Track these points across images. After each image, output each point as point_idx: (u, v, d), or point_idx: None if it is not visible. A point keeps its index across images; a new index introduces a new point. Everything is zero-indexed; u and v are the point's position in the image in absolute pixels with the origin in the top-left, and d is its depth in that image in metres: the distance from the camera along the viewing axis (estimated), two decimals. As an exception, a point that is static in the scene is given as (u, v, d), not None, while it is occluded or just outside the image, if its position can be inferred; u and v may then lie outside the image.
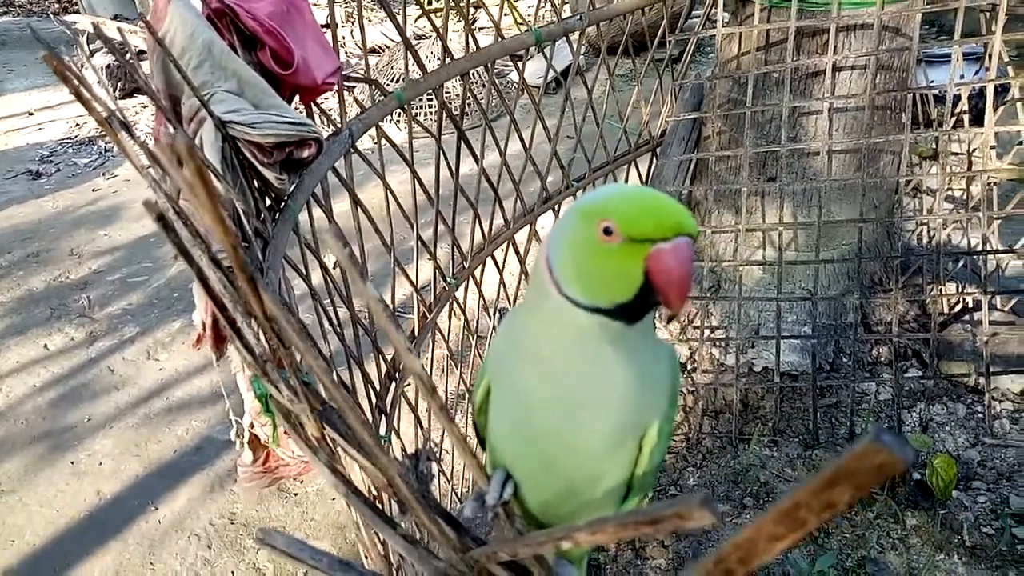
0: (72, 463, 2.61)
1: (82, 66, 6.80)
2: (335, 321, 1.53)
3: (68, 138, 5.98)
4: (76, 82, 0.55)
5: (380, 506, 0.61)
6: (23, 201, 4.85)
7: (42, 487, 2.51)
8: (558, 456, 0.65)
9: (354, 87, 4.78)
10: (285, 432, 1.08)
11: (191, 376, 3.06)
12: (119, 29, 1.39)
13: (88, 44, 7.00)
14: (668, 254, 0.57)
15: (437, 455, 1.87)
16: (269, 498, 2.41)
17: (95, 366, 3.16)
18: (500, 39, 1.94)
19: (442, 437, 2.18)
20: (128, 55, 1.12)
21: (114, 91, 6.62)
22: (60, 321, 3.49)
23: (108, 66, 6.33)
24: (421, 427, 1.87)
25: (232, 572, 2.15)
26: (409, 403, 1.87)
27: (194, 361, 3.13)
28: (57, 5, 10.94)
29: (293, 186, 1.19)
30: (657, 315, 2.59)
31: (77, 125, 6.23)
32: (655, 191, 0.61)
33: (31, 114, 6.58)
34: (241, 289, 0.72)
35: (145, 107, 6.43)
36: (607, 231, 0.58)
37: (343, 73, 1.50)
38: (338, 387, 0.45)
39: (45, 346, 3.31)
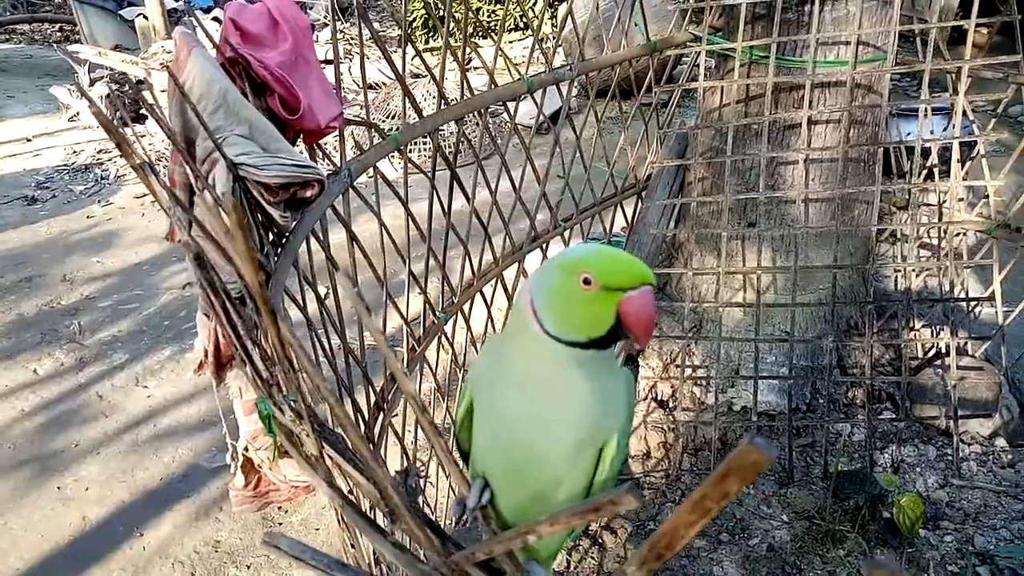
0: (58, 488, 2.62)
1: (81, 95, 6.91)
2: (328, 350, 1.59)
3: (65, 165, 6.05)
4: (127, 145, 0.63)
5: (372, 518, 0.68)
6: (17, 226, 4.90)
7: (27, 511, 2.52)
8: (528, 464, 0.76)
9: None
10: (284, 453, 1.14)
11: (179, 404, 3.09)
12: (129, 60, 1.47)
13: (89, 73, 7.12)
14: (637, 300, 0.71)
15: (423, 475, 1.92)
16: (254, 527, 2.43)
17: (84, 392, 3.18)
18: (494, 86, 2.05)
19: (427, 467, 2.22)
20: (154, 107, 1.20)
21: (113, 119, 6.70)
22: (50, 346, 3.52)
23: (108, 94, 6.43)
24: (407, 456, 1.92)
25: (215, 599, 2.17)
26: (396, 433, 1.92)
27: (182, 389, 3.17)
28: (59, 34, 11.12)
29: (295, 223, 1.27)
30: (641, 354, 2.64)
31: (74, 152, 6.31)
32: (621, 250, 0.76)
33: (29, 140, 6.65)
34: (250, 319, 0.79)
35: (142, 136, 6.52)
36: (586, 281, 0.71)
37: (346, 118, 1.59)
38: (341, 406, 0.52)
39: (35, 371, 3.33)
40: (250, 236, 1.12)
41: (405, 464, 1.75)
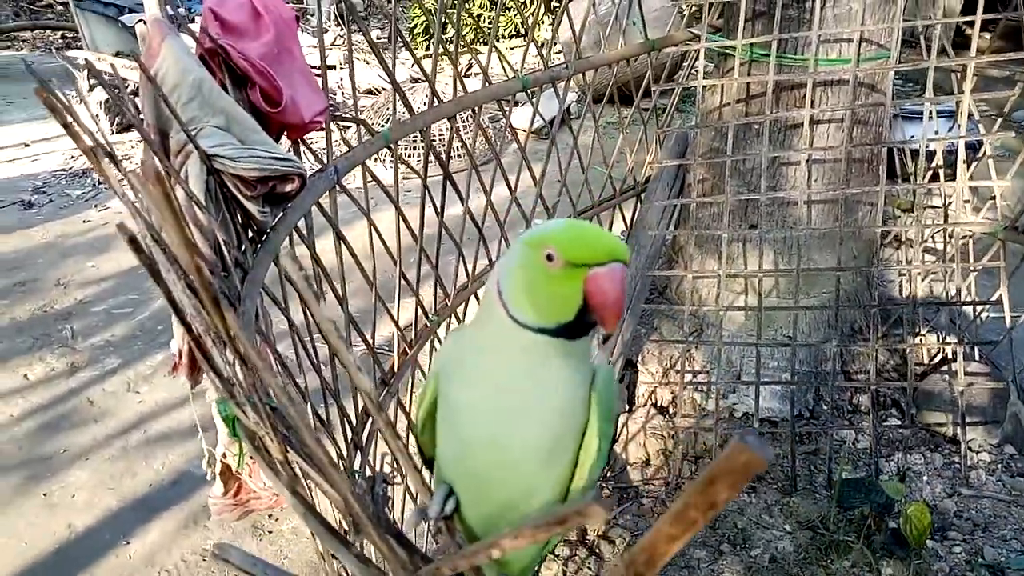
0: (45, 495, 2.57)
1: (80, 100, 6.89)
2: (314, 355, 1.54)
3: (62, 170, 6.02)
4: (65, 113, 0.58)
5: (340, 529, 0.62)
6: (12, 231, 4.86)
7: (12, 519, 2.46)
8: (496, 468, 0.68)
9: (346, 128, 4.86)
10: (251, 458, 1.09)
11: (171, 410, 3.03)
12: (112, 64, 1.43)
13: (88, 79, 7.11)
14: (603, 277, 0.64)
15: (393, 482, 1.86)
16: (243, 535, 2.37)
17: (75, 397, 3.13)
18: (488, 84, 2.00)
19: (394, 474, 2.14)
20: (119, 90, 1.16)
21: (111, 125, 6.70)
22: (42, 351, 3.47)
23: (106, 100, 6.41)
24: (396, 462, 1.86)
25: (201, 610, 2.11)
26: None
27: (174, 395, 3.11)
28: (61, 41, 11.12)
29: (276, 219, 1.22)
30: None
31: (72, 157, 6.28)
32: (591, 224, 0.68)
33: (27, 145, 6.63)
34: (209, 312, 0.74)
35: (140, 142, 6.49)
36: (550, 257, 0.64)
37: (334, 113, 1.54)
38: (292, 402, 0.47)
39: (25, 376, 3.28)
40: (227, 231, 1.07)
41: (388, 471, 1.69)
